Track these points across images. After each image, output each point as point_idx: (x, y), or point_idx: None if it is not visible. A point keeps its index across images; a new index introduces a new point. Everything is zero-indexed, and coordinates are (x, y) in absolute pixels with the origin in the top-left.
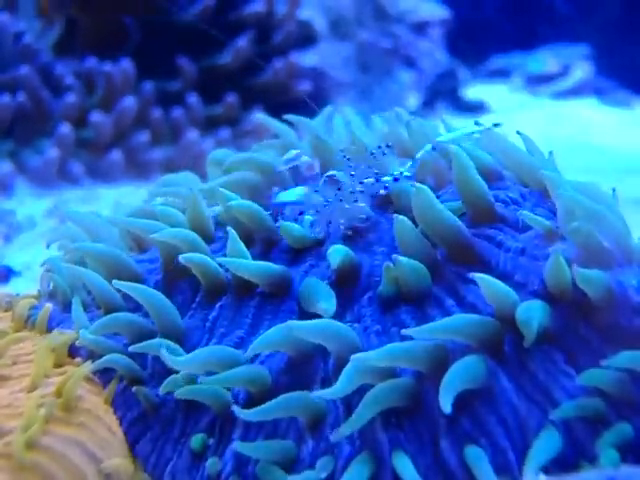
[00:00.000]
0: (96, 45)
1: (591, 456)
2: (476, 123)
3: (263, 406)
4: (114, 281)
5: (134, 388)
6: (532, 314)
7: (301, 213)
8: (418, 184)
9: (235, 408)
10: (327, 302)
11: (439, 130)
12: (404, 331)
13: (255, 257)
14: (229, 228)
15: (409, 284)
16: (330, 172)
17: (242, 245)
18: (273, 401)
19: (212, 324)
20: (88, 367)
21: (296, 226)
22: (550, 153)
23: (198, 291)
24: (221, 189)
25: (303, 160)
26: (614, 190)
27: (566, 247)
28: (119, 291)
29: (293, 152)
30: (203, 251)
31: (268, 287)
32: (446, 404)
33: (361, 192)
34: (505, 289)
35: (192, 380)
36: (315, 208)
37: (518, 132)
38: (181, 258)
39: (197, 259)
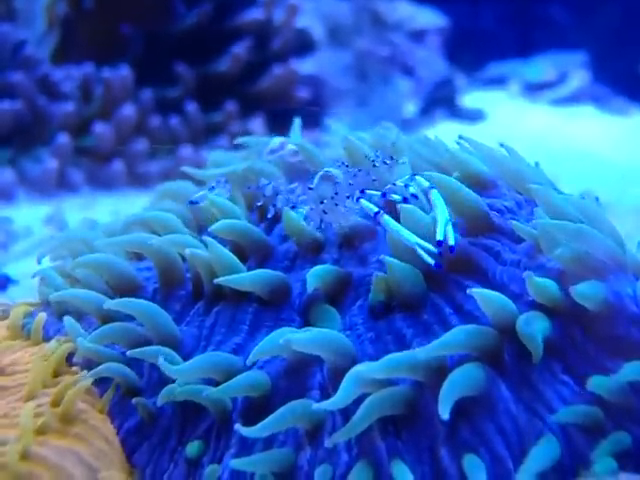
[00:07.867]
0: (95, 53)
1: (590, 464)
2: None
3: (264, 422)
4: (104, 303)
5: (133, 400)
6: (535, 328)
7: (294, 207)
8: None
9: (238, 426)
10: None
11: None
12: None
13: (250, 269)
14: (205, 237)
15: (402, 289)
16: (326, 169)
17: (223, 249)
18: (273, 415)
19: (209, 331)
20: (89, 380)
21: (299, 217)
22: (537, 164)
23: (195, 298)
24: (214, 196)
25: (288, 148)
26: (597, 199)
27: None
28: (112, 298)
29: (277, 140)
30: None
31: (267, 295)
32: (445, 411)
33: (358, 198)
34: (503, 301)
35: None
36: (308, 203)
37: (501, 144)
38: (188, 252)
39: (202, 254)
